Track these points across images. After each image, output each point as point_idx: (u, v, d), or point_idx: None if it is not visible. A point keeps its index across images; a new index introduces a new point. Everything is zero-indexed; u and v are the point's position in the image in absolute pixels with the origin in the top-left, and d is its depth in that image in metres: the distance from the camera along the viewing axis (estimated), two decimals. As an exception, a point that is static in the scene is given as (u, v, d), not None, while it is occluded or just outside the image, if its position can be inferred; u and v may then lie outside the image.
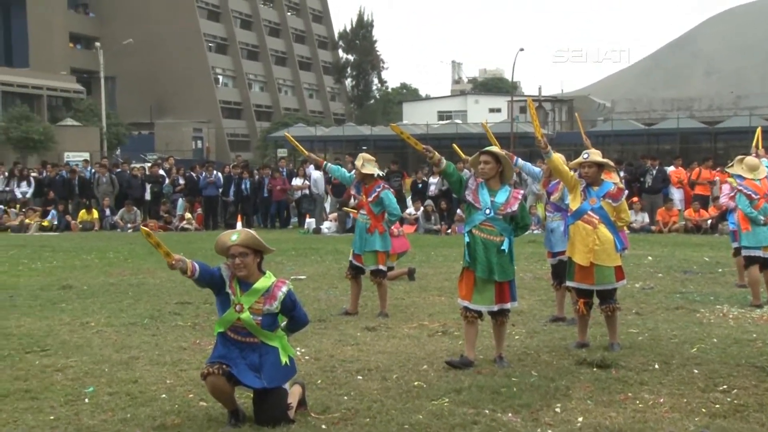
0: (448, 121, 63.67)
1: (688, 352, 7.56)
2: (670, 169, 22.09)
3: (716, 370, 6.91)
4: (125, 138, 59.66)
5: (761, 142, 11.40)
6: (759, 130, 11.62)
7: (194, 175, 24.17)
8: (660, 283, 11.85)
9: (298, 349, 7.77)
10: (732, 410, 5.85)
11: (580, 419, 5.68)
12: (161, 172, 25.30)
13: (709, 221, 19.81)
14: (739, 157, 10.46)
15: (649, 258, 14.73)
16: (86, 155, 40.57)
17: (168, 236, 20.88)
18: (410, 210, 22.15)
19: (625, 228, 7.92)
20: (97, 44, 58.85)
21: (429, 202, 22.06)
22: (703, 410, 5.86)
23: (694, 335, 8.29)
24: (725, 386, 6.44)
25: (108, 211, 23.82)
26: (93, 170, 25.89)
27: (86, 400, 6.21)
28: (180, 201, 23.75)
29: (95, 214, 23.56)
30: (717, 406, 5.95)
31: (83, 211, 23.77)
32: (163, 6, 76.36)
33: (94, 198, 24.44)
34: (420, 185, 23.01)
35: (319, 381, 6.69)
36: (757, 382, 6.56)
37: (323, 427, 5.61)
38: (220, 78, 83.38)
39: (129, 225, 22.77)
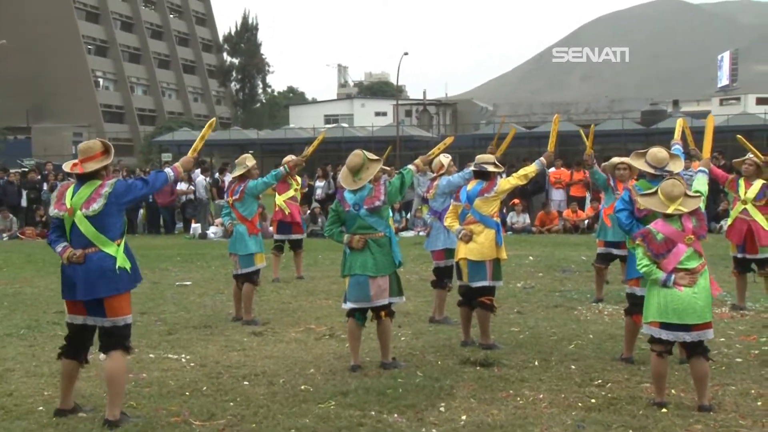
0: (334, 125, 63.79)
1: (566, 349, 7.84)
2: (551, 170, 22.67)
3: (592, 365, 7.19)
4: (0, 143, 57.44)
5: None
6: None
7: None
8: (540, 282, 12.20)
9: (183, 356, 7.67)
10: (606, 403, 6.10)
11: (464, 417, 5.82)
12: (38, 177, 24.46)
13: (586, 221, 20.48)
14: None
15: (530, 258, 15.13)
16: (-43, 161, 38.78)
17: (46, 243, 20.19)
18: (297, 214, 22.06)
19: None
20: (-32, 45, 56.38)
21: (316, 204, 22.06)
22: (580, 404, 6.09)
23: (572, 332, 8.59)
24: (600, 381, 6.71)
25: (-19, 219, 22.89)
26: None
27: (-42, 417, 5.97)
28: (59, 207, 23.00)
29: (-34, 222, 22.58)
30: (593, 400, 6.19)
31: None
32: (39, 6, 73.83)
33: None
34: (306, 189, 22.95)
35: (205, 388, 6.62)
36: (629, 375, 6.86)
37: (208, 434, 5.57)
38: (101, 81, 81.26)
39: (5, 233, 21.96)
